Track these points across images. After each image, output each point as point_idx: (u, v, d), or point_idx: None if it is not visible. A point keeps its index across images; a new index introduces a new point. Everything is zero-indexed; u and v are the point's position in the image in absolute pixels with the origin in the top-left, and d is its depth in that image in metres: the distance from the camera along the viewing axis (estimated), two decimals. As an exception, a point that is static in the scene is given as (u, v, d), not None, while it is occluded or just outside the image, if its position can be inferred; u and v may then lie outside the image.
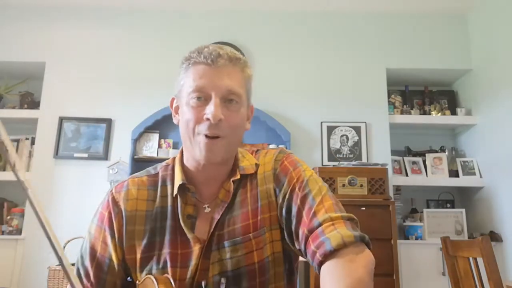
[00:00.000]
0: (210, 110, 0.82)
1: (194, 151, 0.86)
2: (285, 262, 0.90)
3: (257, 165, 0.93)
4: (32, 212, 3.02)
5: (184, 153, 0.93)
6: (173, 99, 0.95)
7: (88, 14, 3.48)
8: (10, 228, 3.07)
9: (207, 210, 0.89)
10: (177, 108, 0.93)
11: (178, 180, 0.88)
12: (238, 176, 0.89)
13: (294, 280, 0.94)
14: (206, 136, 0.83)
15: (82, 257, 0.89)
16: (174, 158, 0.96)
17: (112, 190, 0.92)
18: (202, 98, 0.84)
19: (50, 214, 3.03)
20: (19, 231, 3.07)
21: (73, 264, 0.75)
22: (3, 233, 3.07)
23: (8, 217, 3.13)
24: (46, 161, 3.18)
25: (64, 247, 2.48)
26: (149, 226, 0.87)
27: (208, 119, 0.82)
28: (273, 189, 0.90)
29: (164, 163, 0.96)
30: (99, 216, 0.91)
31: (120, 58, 3.39)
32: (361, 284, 0.69)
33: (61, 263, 0.53)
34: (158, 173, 0.94)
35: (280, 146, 3.10)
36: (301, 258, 1.07)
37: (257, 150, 0.98)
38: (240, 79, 0.87)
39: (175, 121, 0.93)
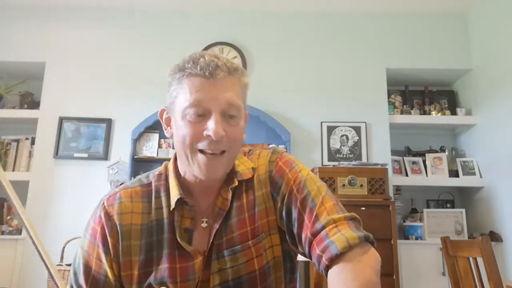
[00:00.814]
0: (211, 127, 0.78)
1: (193, 168, 0.82)
2: (286, 262, 0.88)
3: (253, 169, 0.90)
4: (32, 212, 3.02)
5: (179, 165, 0.88)
6: (163, 111, 0.90)
7: (88, 14, 3.48)
8: (10, 228, 3.07)
9: (205, 225, 0.86)
10: (168, 119, 0.88)
11: (174, 194, 0.84)
12: (236, 183, 0.86)
13: (295, 277, 0.93)
14: (206, 153, 0.80)
15: (75, 274, 0.84)
16: (166, 167, 0.92)
17: (103, 203, 0.87)
18: (201, 113, 0.79)
19: (50, 214, 3.04)
20: (19, 231, 3.07)
21: (69, 265, 0.75)
22: (3, 233, 3.07)
23: (8, 217, 3.13)
24: (46, 161, 3.18)
25: (64, 247, 2.48)
26: (146, 241, 0.84)
27: (209, 135, 0.78)
28: (270, 193, 0.87)
29: (156, 172, 0.92)
30: (91, 231, 0.85)
31: (120, 58, 3.39)
32: (370, 286, 0.68)
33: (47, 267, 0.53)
34: (151, 182, 0.89)
35: (280, 146, 3.09)
36: (301, 258, 1.06)
37: (249, 151, 0.95)
38: (238, 90, 0.83)
39: (167, 134, 0.88)
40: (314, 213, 0.80)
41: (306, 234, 0.79)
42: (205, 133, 0.79)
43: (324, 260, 0.74)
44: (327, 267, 0.74)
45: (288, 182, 0.86)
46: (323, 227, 0.77)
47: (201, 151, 0.80)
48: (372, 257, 0.73)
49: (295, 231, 0.83)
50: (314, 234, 0.78)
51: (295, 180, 0.86)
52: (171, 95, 0.84)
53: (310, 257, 0.79)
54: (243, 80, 0.86)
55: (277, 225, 0.87)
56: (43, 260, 0.51)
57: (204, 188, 0.87)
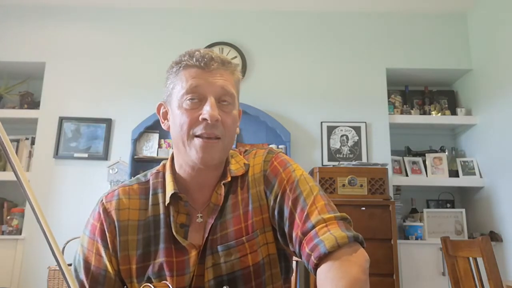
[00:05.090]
0: (206, 110, 0.81)
1: (190, 155, 0.84)
2: (280, 261, 0.90)
3: (246, 165, 0.92)
4: (32, 212, 3.03)
5: (175, 159, 0.91)
6: (160, 105, 0.93)
7: (88, 14, 3.48)
8: (10, 228, 3.07)
9: (200, 220, 0.88)
10: (165, 113, 0.92)
11: (169, 190, 0.87)
12: (229, 179, 0.89)
13: (289, 277, 0.94)
14: (203, 137, 0.82)
15: (76, 270, 0.87)
16: (164, 165, 0.94)
17: (102, 200, 0.90)
18: (196, 99, 0.83)
19: (50, 214, 3.04)
20: (19, 231, 3.07)
21: (69, 265, 0.76)
22: (3, 233, 3.07)
23: (8, 217, 3.13)
24: (46, 161, 3.18)
25: (64, 247, 2.48)
26: (143, 236, 0.86)
27: (205, 119, 0.81)
28: (264, 191, 0.89)
29: (154, 170, 0.95)
30: (90, 228, 0.88)
31: (120, 58, 3.39)
32: (358, 284, 0.69)
33: (59, 265, 0.54)
34: (148, 180, 0.92)
35: (280, 146, 3.10)
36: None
37: (246, 151, 0.97)
38: (231, 81, 0.88)
39: (164, 127, 0.92)
40: (305, 213, 0.81)
41: (296, 233, 0.81)
42: (201, 117, 0.82)
43: (313, 259, 0.75)
44: (316, 266, 0.75)
45: (281, 181, 0.87)
46: (313, 226, 0.79)
47: (198, 136, 0.83)
48: (360, 256, 0.74)
49: (286, 230, 0.84)
50: (304, 233, 0.79)
51: (288, 180, 0.87)
52: (167, 88, 0.89)
53: (300, 256, 0.81)
54: (236, 74, 0.91)
55: (270, 223, 0.88)
56: (49, 242, 0.52)
57: (199, 184, 0.89)
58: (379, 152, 3.21)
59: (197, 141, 0.82)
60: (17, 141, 3.34)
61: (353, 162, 2.94)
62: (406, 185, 3.24)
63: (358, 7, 3.45)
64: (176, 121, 0.85)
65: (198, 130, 0.82)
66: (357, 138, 3.24)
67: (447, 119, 3.35)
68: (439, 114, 3.40)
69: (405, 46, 3.42)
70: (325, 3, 3.43)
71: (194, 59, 0.84)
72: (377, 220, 2.68)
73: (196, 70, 0.84)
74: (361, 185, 2.78)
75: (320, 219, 0.79)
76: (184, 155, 0.86)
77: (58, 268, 2.31)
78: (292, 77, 3.37)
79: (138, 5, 3.47)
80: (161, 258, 0.84)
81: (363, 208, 2.69)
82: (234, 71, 0.89)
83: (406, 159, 3.33)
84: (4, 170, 3.26)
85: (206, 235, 0.85)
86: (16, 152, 3.30)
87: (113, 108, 3.29)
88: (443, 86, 3.66)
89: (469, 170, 3.23)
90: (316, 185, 0.87)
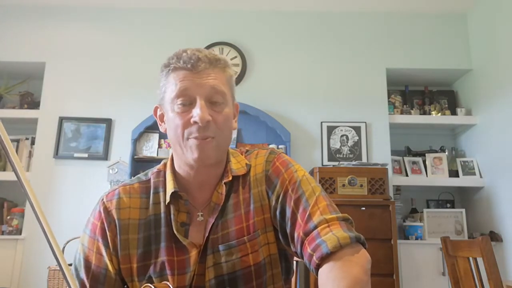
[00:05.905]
0: (196, 113, 0.81)
1: (186, 155, 0.84)
2: (281, 261, 0.90)
3: (247, 165, 0.92)
4: (32, 212, 3.02)
5: (175, 159, 0.91)
6: (156, 108, 0.94)
7: (88, 14, 3.48)
8: (10, 228, 3.07)
9: (200, 218, 0.88)
10: (161, 116, 0.92)
11: (170, 188, 0.87)
12: (230, 178, 0.89)
13: (290, 277, 0.94)
14: (197, 138, 0.82)
15: (76, 269, 0.87)
16: (165, 164, 0.94)
17: (103, 199, 0.90)
18: (187, 102, 0.83)
19: (50, 214, 3.04)
20: (19, 231, 3.07)
21: (70, 265, 0.76)
22: (3, 233, 3.07)
23: (8, 217, 3.13)
24: (46, 161, 3.18)
25: (64, 247, 2.48)
26: (143, 235, 0.86)
27: (196, 122, 0.81)
28: (265, 191, 0.89)
29: (155, 169, 0.95)
30: (91, 227, 0.89)
31: (120, 58, 3.39)
32: (359, 284, 0.69)
33: (59, 265, 0.54)
34: (149, 179, 0.93)
35: (280, 146, 3.10)
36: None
37: (247, 151, 0.97)
38: (222, 79, 0.87)
39: (161, 129, 0.92)
40: (307, 213, 0.81)
41: (298, 233, 0.81)
42: (192, 120, 0.82)
43: (314, 259, 0.75)
44: (318, 266, 0.75)
45: (283, 181, 0.88)
46: (316, 227, 0.79)
47: (191, 138, 0.83)
48: (362, 257, 0.75)
49: (288, 230, 0.84)
50: (307, 233, 0.79)
51: (290, 180, 0.87)
52: (161, 91, 0.89)
53: (302, 257, 0.81)
54: (227, 71, 0.90)
55: (272, 223, 0.88)
56: (49, 241, 0.53)
57: (200, 183, 0.89)
58: (379, 152, 3.21)
59: (192, 142, 0.83)
60: (17, 141, 3.34)
61: (353, 162, 2.94)
62: (406, 185, 3.24)
63: (358, 7, 3.45)
64: (171, 124, 0.85)
65: (191, 132, 0.83)
66: (357, 138, 3.24)
67: (447, 119, 3.35)
68: (439, 114, 3.40)
69: (405, 46, 3.42)
70: (325, 3, 3.43)
71: (181, 61, 0.84)
72: (377, 220, 2.68)
73: (184, 73, 0.84)
74: (361, 185, 2.78)
75: (322, 220, 0.79)
76: (181, 156, 0.86)
77: (58, 268, 2.31)
78: (292, 77, 3.37)
79: (138, 5, 3.47)
80: (162, 257, 0.84)
81: (363, 208, 2.69)
82: (224, 68, 0.88)
83: (406, 159, 3.33)
84: (4, 170, 3.26)
85: (207, 234, 0.85)
86: (16, 152, 3.30)
87: (113, 108, 3.29)
88: (443, 86, 3.66)
89: (469, 170, 3.23)
90: (318, 186, 0.87)
